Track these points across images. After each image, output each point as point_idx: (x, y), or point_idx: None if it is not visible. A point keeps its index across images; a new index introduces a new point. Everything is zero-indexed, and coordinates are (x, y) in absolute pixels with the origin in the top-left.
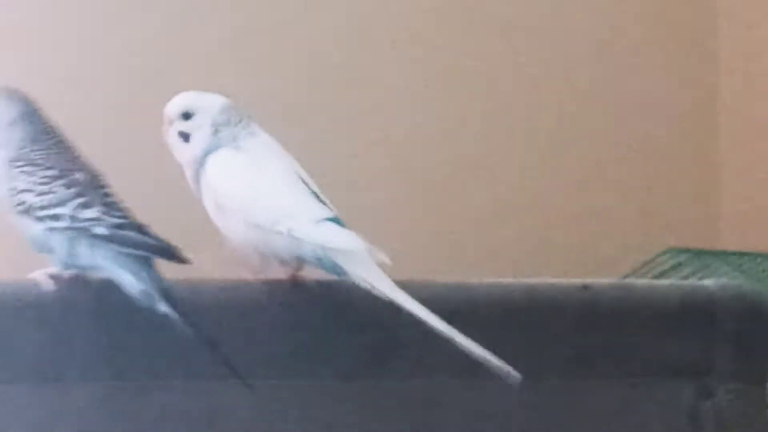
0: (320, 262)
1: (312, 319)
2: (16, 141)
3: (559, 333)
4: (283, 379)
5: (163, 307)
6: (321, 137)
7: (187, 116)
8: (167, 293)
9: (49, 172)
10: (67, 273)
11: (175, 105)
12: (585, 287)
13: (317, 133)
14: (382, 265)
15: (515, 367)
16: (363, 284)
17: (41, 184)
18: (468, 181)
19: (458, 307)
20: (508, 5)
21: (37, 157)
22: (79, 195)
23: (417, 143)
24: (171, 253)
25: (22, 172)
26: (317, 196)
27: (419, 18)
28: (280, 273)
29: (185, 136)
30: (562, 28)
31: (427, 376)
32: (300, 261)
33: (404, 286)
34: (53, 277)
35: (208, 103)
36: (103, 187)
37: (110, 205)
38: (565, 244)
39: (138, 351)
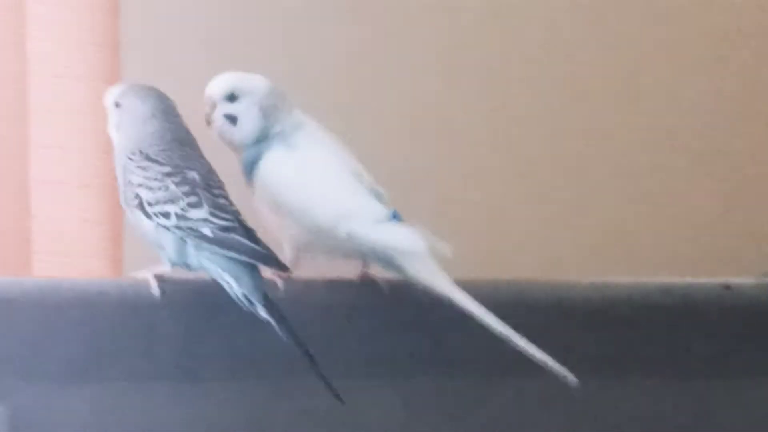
0: (380, 262)
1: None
2: (142, 136)
3: (699, 332)
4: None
5: (263, 314)
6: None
7: (232, 98)
8: (268, 299)
9: (163, 169)
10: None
11: (220, 87)
12: (727, 286)
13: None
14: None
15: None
16: (422, 283)
17: (155, 180)
18: (607, 178)
19: (597, 306)
20: None
21: (153, 152)
22: (189, 194)
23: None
24: (272, 260)
25: (138, 166)
26: (373, 191)
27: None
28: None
29: (232, 119)
30: (689, 26)
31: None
32: (361, 259)
33: (537, 285)
34: (158, 277)
35: (254, 86)
36: (215, 187)
37: (220, 207)
38: (705, 243)
39: (272, 349)
